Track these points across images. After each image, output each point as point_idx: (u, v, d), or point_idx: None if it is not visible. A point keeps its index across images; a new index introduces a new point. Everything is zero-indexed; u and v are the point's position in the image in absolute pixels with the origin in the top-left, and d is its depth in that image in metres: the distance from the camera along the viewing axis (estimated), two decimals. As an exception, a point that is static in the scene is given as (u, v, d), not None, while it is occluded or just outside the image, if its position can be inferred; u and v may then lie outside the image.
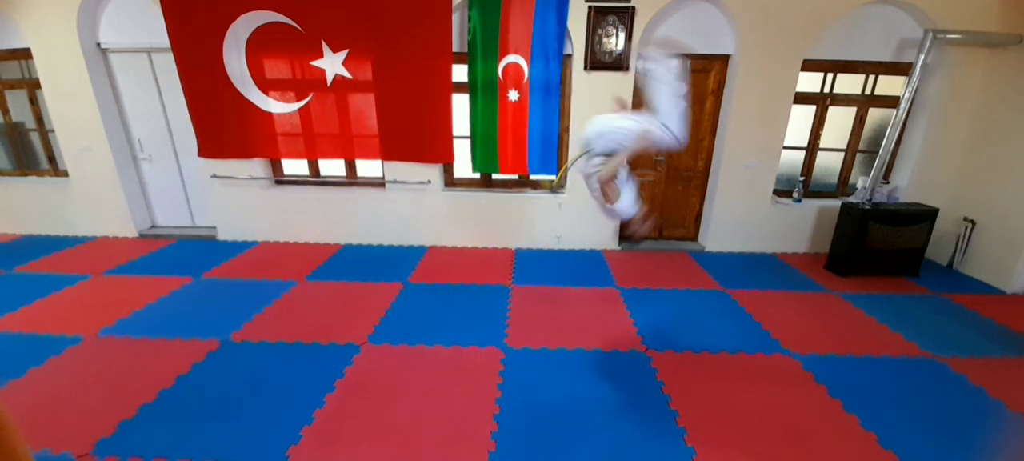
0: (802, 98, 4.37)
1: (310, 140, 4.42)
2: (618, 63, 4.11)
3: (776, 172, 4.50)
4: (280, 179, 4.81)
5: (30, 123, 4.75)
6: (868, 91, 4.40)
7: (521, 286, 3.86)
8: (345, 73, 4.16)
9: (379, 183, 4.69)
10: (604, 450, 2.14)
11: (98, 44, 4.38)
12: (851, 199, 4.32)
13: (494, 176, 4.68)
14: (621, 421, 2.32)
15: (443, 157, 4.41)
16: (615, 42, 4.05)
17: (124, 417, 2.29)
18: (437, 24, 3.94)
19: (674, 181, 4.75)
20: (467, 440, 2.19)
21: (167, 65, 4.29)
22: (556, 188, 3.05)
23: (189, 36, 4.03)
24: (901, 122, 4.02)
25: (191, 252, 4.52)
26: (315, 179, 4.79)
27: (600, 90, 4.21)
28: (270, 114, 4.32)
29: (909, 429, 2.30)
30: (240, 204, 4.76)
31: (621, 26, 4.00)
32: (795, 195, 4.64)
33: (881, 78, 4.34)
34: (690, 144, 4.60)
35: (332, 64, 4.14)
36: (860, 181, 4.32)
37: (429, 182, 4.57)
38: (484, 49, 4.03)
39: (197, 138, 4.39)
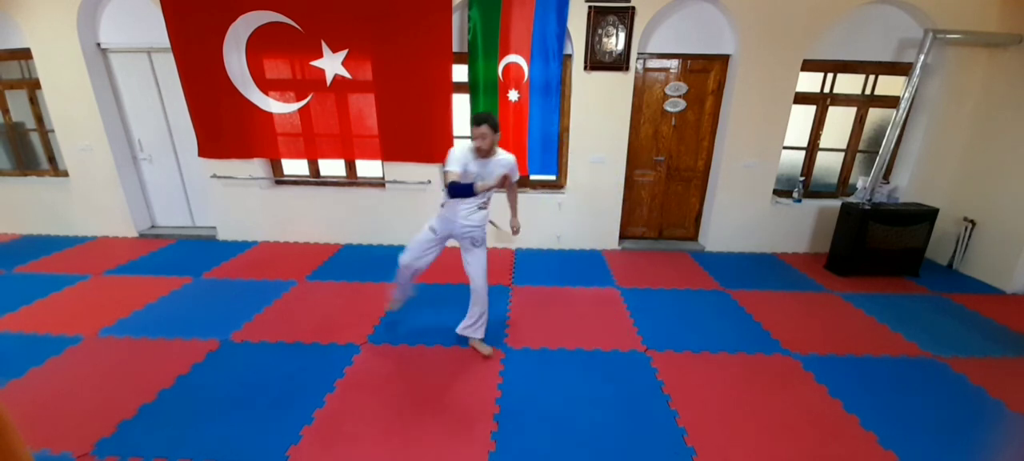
0: (802, 98, 4.36)
1: (310, 140, 4.42)
2: (618, 63, 4.11)
3: (776, 172, 4.50)
4: (280, 179, 4.81)
5: (30, 123, 4.75)
6: (868, 91, 4.40)
7: (521, 286, 3.86)
8: (345, 73, 4.16)
9: (379, 183, 4.69)
10: (604, 450, 2.14)
11: (98, 44, 4.38)
12: (851, 199, 4.32)
13: (494, 176, 4.68)
14: (621, 421, 2.33)
15: (443, 157, 4.38)
16: (615, 42, 4.05)
17: (124, 417, 2.28)
18: (437, 24, 3.94)
19: (674, 181, 4.75)
20: (467, 440, 2.18)
21: (167, 65, 4.29)
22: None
23: (189, 36, 4.03)
24: (901, 122, 4.02)
25: (191, 252, 4.52)
26: (315, 179, 4.79)
27: (600, 90, 4.21)
28: (270, 114, 4.32)
29: (909, 429, 2.30)
30: (240, 204, 4.75)
31: (621, 26, 4.00)
32: (795, 195, 4.64)
33: (881, 78, 4.34)
34: (690, 144, 4.61)
35: (332, 64, 4.14)
36: (860, 181, 4.32)
37: (429, 182, 4.57)
38: (484, 49, 4.03)
39: (197, 138, 4.39)
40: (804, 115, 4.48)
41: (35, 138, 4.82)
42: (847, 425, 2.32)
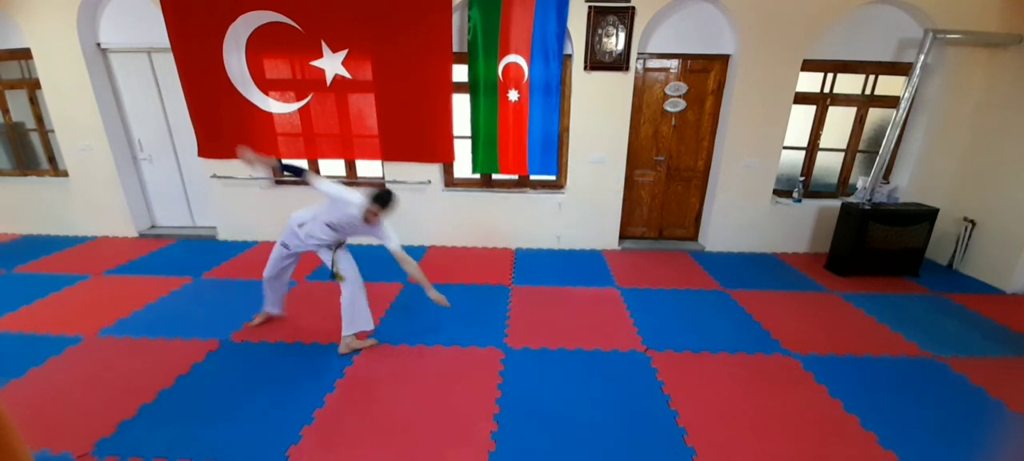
0: (802, 98, 4.37)
1: (310, 140, 4.42)
2: (618, 63, 4.11)
3: (776, 172, 4.50)
4: (280, 179, 4.80)
5: (30, 123, 4.75)
6: (868, 91, 4.40)
7: (521, 286, 3.86)
8: (345, 73, 4.16)
9: (379, 183, 4.69)
10: (604, 450, 2.14)
11: (98, 44, 4.38)
12: (851, 199, 4.33)
13: (494, 176, 4.68)
14: (621, 421, 2.33)
15: (443, 157, 4.40)
16: (615, 42, 4.05)
17: (124, 417, 2.29)
18: (437, 24, 3.94)
19: (674, 181, 4.75)
20: (467, 440, 2.19)
21: (167, 65, 4.29)
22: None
23: (189, 36, 4.03)
24: (901, 122, 4.02)
25: (191, 252, 4.52)
26: (315, 179, 4.78)
27: (600, 90, 4.21)
28: (270, 114, 4.32)
29: (909, 429, 2.30)
30: (240, 204, 4.75)
31: (621, 26, 4.00)
32: (795, 195, 4.64)
33: (881, 78, 4.34)
34: (690, 144, 4.61)
35: (332, 64, 4.14)
36: (860, 181, 4.32)
37: (429, 182, 4.57)
38: (484, 49, 4.03)
39: (197, 138, 4.39)
40: (804, 115, 4.48)
41: (35, 138, 4.82)
42: (847, 425, 2.32)
